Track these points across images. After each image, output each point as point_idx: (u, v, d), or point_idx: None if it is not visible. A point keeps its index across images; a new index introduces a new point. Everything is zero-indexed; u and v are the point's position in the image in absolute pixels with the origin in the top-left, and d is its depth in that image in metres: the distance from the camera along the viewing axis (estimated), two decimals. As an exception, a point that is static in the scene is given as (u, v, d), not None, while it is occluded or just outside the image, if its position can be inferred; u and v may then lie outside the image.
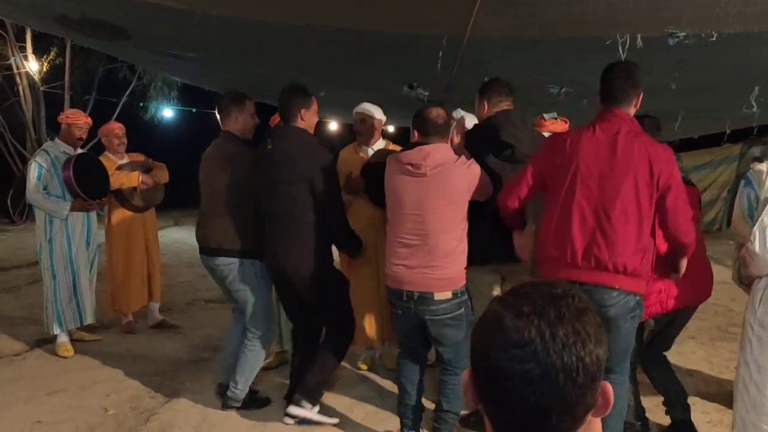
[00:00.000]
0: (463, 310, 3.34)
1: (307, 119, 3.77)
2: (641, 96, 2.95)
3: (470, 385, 0.96)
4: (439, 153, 3.26)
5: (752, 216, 3.57)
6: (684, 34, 3.35)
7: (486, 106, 3.73)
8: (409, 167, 3.28)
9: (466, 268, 3.36)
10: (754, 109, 4.59)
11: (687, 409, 3.72)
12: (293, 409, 3.80)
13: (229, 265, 3.96)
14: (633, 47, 3.47)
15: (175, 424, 3.89)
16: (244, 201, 3.90)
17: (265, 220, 3.81)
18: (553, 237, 2.95)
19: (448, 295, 3.27)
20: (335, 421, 3.88)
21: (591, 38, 3.62)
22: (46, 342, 5.35)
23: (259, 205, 3.85)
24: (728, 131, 7.21)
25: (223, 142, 4.03)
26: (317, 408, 3.87)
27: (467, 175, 3.26)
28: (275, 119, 4.63)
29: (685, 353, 5.23)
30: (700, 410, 4.10)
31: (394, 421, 3.82)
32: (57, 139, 5.39)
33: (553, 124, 4.39)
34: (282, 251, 3.73)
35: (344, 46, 4.42)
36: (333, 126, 14.10)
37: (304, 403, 3.79)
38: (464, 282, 3.35)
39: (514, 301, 0.91)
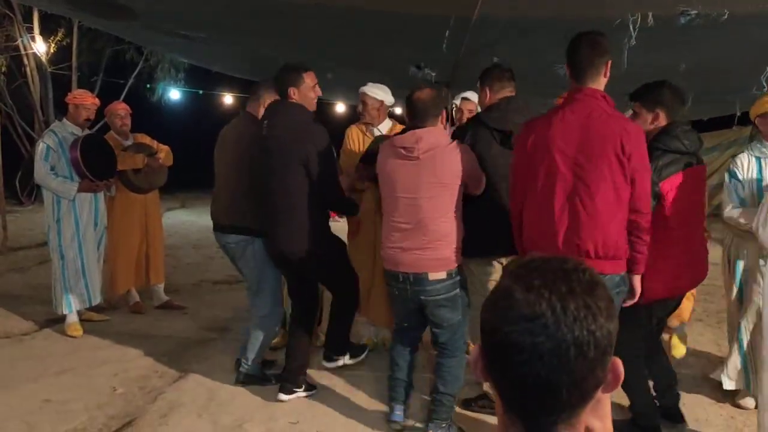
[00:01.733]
0: (458, 290, 3.37)
1: (298, 96, 3.71)
2: (610, 63, 2.87)
3: (479, 361, 0.95)
4: (431, 136, 3.27)
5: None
6: (696, 12, 3.31)
7: (488, 93, 3.69)
8: (402, 151, 3.29)
9: (465, 257, 3.41)
10: (765, 89, 4.54)
11: (677, 396, 3.68)
12: (327, 364, 4.14)
13: (241, 242, 4.05)
14: (644, 26, 3.42)
15: (183, 403, 3.92)
16: (257, 180, 3.92)
17: (263, 200, 3.82)
18: (537, 229, 2.94)
19: (443, 275, 3.29)
20: (363, 356, 4.27)
21: (601, 17, 3.57)
22: (55, 322, 5.38)
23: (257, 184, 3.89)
24: (738, 113, 7.16)
25: (241, 122, 4.12)
26: (347, 356, 4.15)
27: (459, 159, 3.25)
28: None
29: (692, 335, 5.22)
30: (707, 393, 4.10)
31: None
32: (65, 120, 5.39)
33: None
34: (281, 233, 3.75)
35: (352, 26, 4.39)
36: (340, 107, 14.06)
37: (335, 357, 4.11)
38: (459, 263, 3.36)
39: (525, 275, 0.90)
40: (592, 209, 2.78)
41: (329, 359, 4.13)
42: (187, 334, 5.30)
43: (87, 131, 5.40)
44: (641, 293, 3.07)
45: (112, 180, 5.46)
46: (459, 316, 3.41)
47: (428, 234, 3.25)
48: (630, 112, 3.45)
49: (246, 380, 4.18)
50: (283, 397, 3.93)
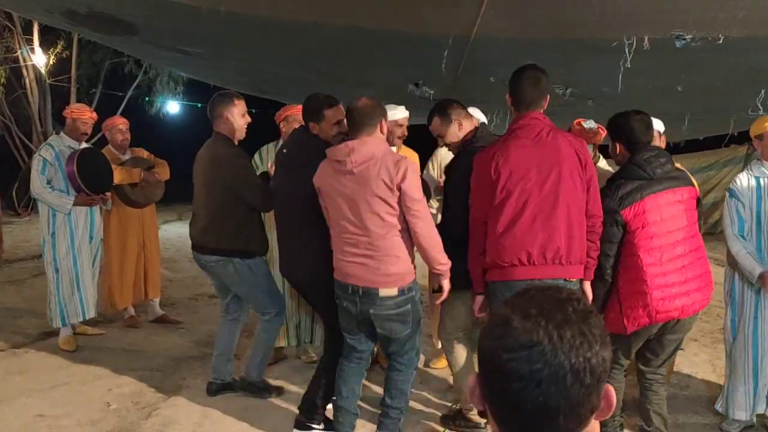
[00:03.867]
0: (409, 306, 3.26)
1: (320, 129, 3.60)
2: (548, 98, 3.24)
3: (476, 388, 0.98)
4: (364, 147, 3.15)
5: (742, 233, 3.61)
6: (691, 36, 3.35)
7: (461, 125, 3.62)
8: (337, 164, 3.20)
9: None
10: (761, 112, 4.58)
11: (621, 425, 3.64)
12: None
13: (218, 262, 4.01)
14: (640, 49, 3.46)
15: (177, 420, 3.91)
16: (233, 201, 3.90)
17: (278, 226, 3.76)
18: (503, 244, 3.08)
19: (394, 292, 3.19)
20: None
21: (598, 40, 3.61)
22: (50, 335, 5.36)
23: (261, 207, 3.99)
24: (735, 133, 7.20)
25: (213, 144, 4.03)
26: (321, 426, 3.77)
27: (396, 170, 3.09)
28: (281, 115, 4.64)
29: (687, 355, 5.23)
30: (702, 413, 4.10)
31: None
32: (62, 134, 5.40)
33: (595, 135, 4.05)
34: (293, 260, 3.67)
35: (351, 44, 4.42)
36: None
37: (309, 424, 3.74)
38: (412, 279, 3.25)
39: (521, 304, 0.93)
40: (557, 219, 3.03)
41: (302, 426, 3.75)
42: (183, 349, 5.29)
43: (84, 145, 5.41)
44: (626, 325, 3.20)
45: (108, 194, 5.46)
46: (409, 329, 3.31)
47: (377, 248, 3.15)
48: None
49: (245, 387, 4.16)
50: None
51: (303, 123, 3.71)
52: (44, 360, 4.93)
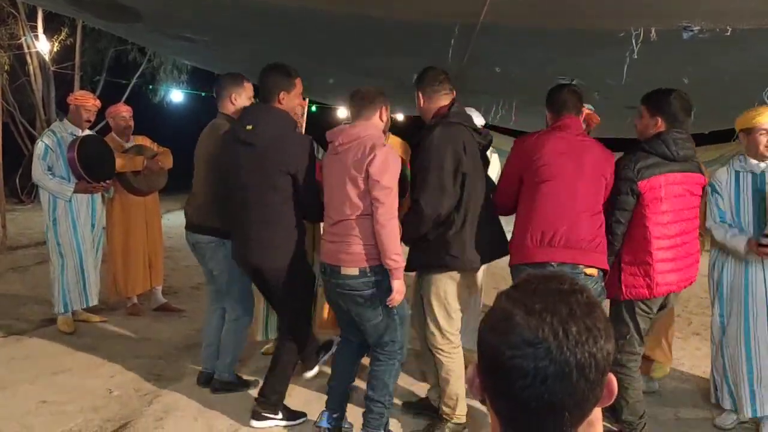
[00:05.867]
0: (375, 291, 3.24)
1: (285, 102, 3.61)
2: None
3: (475, 378, 0.97)
4: (353, 130, 3.26)
5: (723, 219, 3.75)
6: (699, 28, 3.32)
7: (422, 98, 3.61)
8: (330, 145, 3.36)
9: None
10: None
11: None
12: (257, 423, 3.71)
13: (210, 243, 3.98)
14: (647, 40, 3.43)
15: (178, 407, 3.92)
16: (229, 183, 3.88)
17: (230, 206, 3.69)
18: (533, 225, 3.26)
19: (355, 271, 3.22)
20: (303, 419, 3.80)
21: (605, 30, 3.58)
22: (52, 322, 5.38)
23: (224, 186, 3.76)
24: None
25: (218, 124, 4.01)
26: (280, 414, 3.74)
27: (370, 152, 3.14)
28: None
29: (689, 350, 5.23)
30: (703, 407, 4.10)
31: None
32: (65, 120, 5.39)
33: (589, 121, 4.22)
34: (253, 243, 3.58)
35: (355, 32, 4.39)
36: (342, 113, 14.05)
37: (267, 414, 3.71)
38: (375, 263, 3.21)
39: (524, 298, 0.91)
40: (581, 210, 3.27)
41: (258, 417, 3.71)
42: (185, 338, 5.29)
43: (87, 132, 5.41)
44: (623, 290, 3.38)
45: (109, 182, 5.46)
46: (380, 318, 3.31)
47: (344, 228, 3.24)
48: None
49: (222, 387, 4.12)
50: (254, 423, 3.71)
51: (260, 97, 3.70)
52: (47, 347, 4.94)
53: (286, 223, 3.54)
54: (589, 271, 3.22)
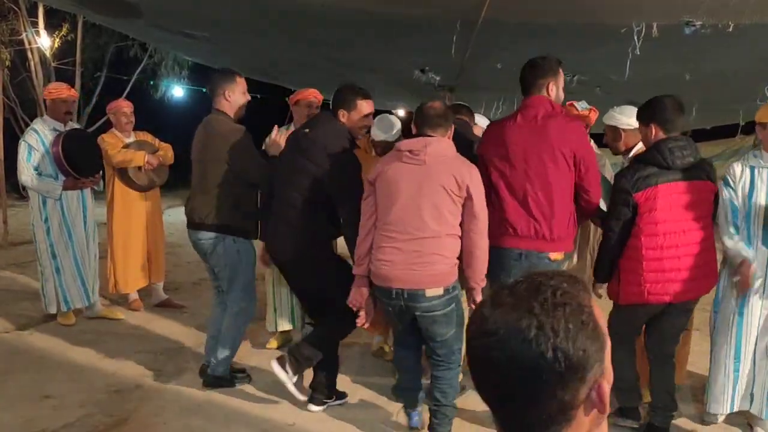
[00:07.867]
0: (453, 306, 3.27)
1: (347, 120, 3.66)
2: (551, 81, 3.34)
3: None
4: (440, 144, 3.22)
5: (735, 221, 3.61)
6: (700, 23, 3.31)
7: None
8: (408, 154, 3.21)
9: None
10: (769, 101, 4.54)
11: (668, 418, 3.65)
12: (314, 407, 3.83)
13: (210, 240, 3.98)
14: (648, 35, 3.43)
15: (179, 403, 3.92)
16: (231, 179, 3.90)
17: (272, 204, 3.76)
18: (499, 215, 3.33)
19: (440, 291, 3.19)
20: (304, 397, 3.80)
21: (607, 25, 3.58)
22: (54, 318, 5.38)
23: (259, 186, 3.94)
24: (742, 123, 7.15)
25: (212, 120, 4.00)
26: (295, 379, 3.69)
27: (467, 172, 3.17)
28: (294, 98, 4.63)
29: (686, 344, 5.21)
30: (704, 402, 4.09)
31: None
32: (45, 116, 5.30)
33: (589, 114, 4.13)
34: (280, 239, 3.70)
35: (357, 28, 4.39)
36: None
37: (289, 368, 3.66)
38: (455, 278, 3.25)
39: (500, 292, 0.96)
40: (540, 198, 3.29)
41: (316, 401, 3.85)
42: (185, 333, 5.29)
43: (72, 125, 5.36)
44: (621, 295, 3.45)
45: (98, 176, 5.42)
46: (453, 330, 3.33)
47: (425, 246, 3.15)
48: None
49: (213, 383, 4.11)
50: (313, 408, 3.83)
51: (320, 108, 3.75)
52: (48, 342, 4.94)
53: (312, 224, 3.63)
54: (553, 256, 3.34)
